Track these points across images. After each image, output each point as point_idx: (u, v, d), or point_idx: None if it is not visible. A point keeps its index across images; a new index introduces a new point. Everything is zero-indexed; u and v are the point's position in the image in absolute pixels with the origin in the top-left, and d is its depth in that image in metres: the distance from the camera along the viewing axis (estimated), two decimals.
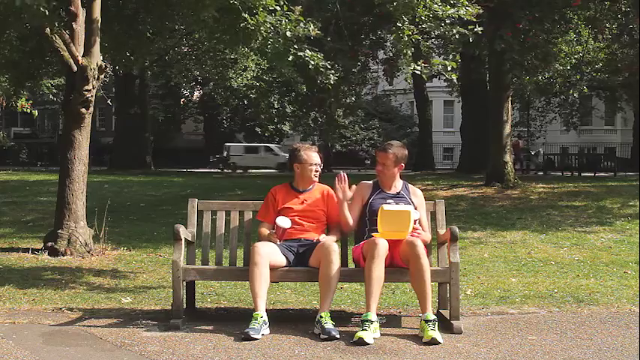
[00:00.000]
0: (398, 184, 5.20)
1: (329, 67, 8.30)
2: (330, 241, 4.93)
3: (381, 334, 4.56)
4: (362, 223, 5.14)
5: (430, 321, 4.51)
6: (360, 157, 41.80)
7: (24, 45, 10.51)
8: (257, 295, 4.67)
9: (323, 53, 8.55)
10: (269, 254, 4.82)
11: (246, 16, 7.88)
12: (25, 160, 40.61)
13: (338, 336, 4.48)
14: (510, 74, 15.15)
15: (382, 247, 4.67)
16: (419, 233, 4.92)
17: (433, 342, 4.39)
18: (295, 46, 8.01)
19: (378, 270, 4.62)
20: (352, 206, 5.18)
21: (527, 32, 13.96)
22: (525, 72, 15.17)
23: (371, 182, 5.25)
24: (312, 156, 5.24)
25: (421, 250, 4.69)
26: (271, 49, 7.95)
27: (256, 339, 4.45)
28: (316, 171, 5.24)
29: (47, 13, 6.87)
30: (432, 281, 4.73)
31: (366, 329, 4.44)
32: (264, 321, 4.59)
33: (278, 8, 8.00)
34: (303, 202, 5.18)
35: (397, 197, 5.12)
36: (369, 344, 4.35)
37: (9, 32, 9.38)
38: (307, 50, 8.13)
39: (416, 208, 5.09)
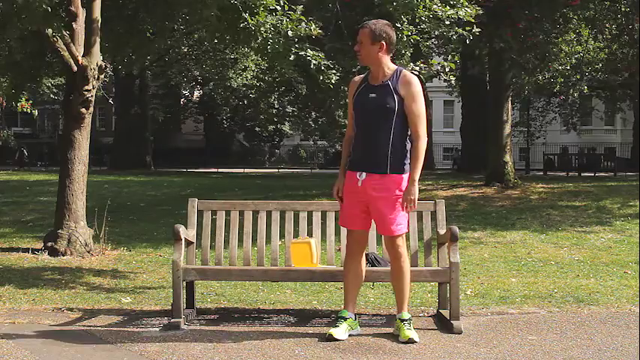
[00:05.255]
0: (387, 72, 4.47)
1: (331, 66, 8.29)
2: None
3: (381, 334, 4.57)
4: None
5: (406, 320, 4.49)
6: None
7: (25, 46, 10.48)
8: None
9: (323, 53, 8.55)
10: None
11: (246, 16, 7.87)
12: (25, 160, 40.57)
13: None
14: (510, 74, 15.15)
15: (357, 243, 4.59)
16: (412, 205, 4.47)
17: (410, 341, 4.36)
18: (297, 45, 7.99)
19: (354, 266, 4.59)
20: (350, 106, 4.68)
21: (527, 32, 13.95)
22: (525, 72, 15.16)
23: (363, 75, 4.66)
24: None
25: (400, 249, 4.50)
26: (272, 49, 7.92)
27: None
28: None
29: (50, 10, 6.86)
30: (431, 281, 4.75)
31: (337, 325, 4.46)
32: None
33: (279, 8, 7.99)
34: None
35: (379, 89, 4.44)
36: (339, 340, 4.37)
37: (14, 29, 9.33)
38: (308, 50, 8.11)
39: (402, 100, 4.40)
